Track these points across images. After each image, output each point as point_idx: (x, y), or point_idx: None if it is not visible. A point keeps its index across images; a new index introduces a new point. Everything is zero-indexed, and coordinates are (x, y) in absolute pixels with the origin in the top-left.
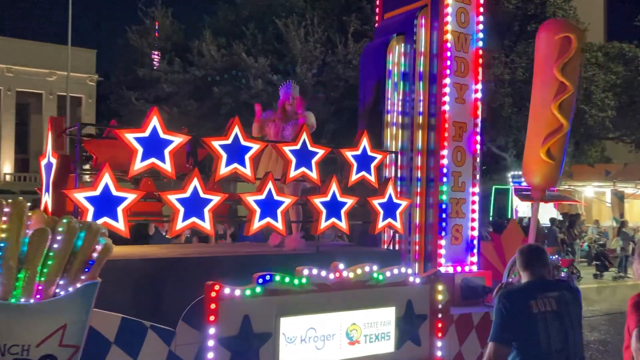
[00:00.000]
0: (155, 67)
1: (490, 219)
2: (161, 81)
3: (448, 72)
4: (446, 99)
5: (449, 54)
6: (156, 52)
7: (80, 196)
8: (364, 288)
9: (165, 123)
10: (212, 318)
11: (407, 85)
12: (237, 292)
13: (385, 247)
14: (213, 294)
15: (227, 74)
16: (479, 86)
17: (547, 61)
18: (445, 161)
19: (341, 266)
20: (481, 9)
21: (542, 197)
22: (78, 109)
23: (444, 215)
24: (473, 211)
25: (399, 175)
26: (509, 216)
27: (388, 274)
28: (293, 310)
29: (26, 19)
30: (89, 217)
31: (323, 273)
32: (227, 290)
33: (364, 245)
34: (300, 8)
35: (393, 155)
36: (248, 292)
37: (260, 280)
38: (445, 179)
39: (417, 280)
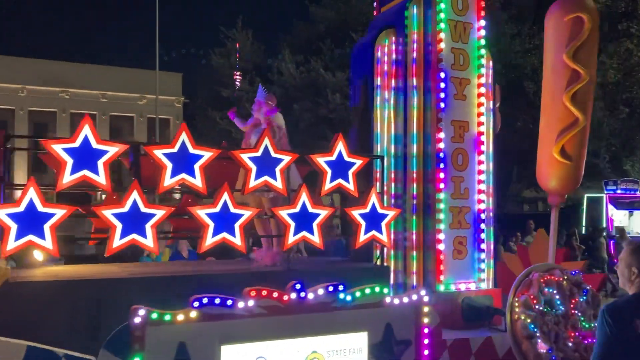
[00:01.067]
0: (237, 87)
1: (583, 229)
2: (243, 100)
3: (443, 65)
4: (441, 95)
5: (443, 45)
6: (238, 73)
7: (1, 213)
8: (328, 311)
9: None
10: (137, 346)
11: (399, 82)
12: (168, 317)
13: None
14: (137, 319)
15: (305, 90)
16: (484, 80)
17: (557, 46)
18: (441, 165)
19: (298, 286)
20: None
21: (561, 203)
22: (167, 130)
23: (442, 226)
24: (480, 221)
25: (389, 181)
26: (604, 226)
27: (358, 294)
28: (238, 337)
29: (117, 47)
30: (12, 236)
31: (275, 294)
32: (154, 315)
33: (357, 260)
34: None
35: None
36: (181, 317)
37: (196, 304)
38: (442, 185)
39: (397, 301)
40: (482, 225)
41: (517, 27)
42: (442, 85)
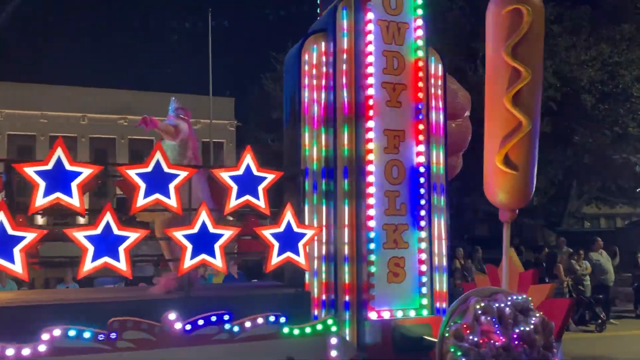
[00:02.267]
0: None
1: None
2: None
3: (372, 69)
4: (370, 102)
5: (372, 48)
6: None
7: None
8: (210, 343)
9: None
10: None
11: (329, 93)
12: (10, 352)
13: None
14: None
15: None
16: (422, 84)
17: (496, 43)
18: (372, 178)
19: (172, 316)
20: None
21: (513, 219)
22: (220, 153)
23: (373, 246)
24: (421, 240)
25: (318, 198)
26: None
27: (248, 324)
28: None
29: (172, 74)
30: None
31: (145, 325)
32: None
33: (295, 285)
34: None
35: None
36: (26, 352)
37: (46, 336)
38: (373, 201)
39: (297, 332)
40: (423, 245)
41: (572, 39)
42: (371, 91)
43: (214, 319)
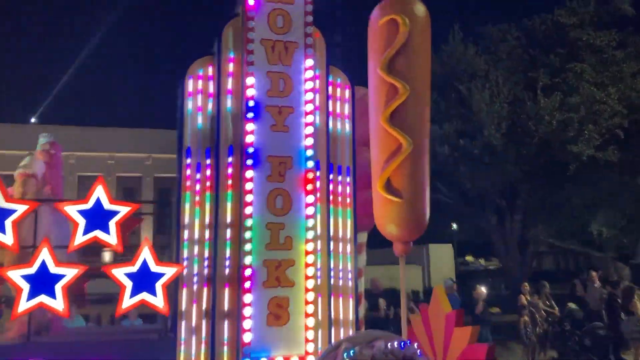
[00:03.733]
0: None
1: None
2: None
3: (253, 92)
4: (249, 127)
5: (251, 68)
6: None
7: None
8: None
9: None
10: None
11: (212, 119)
12: None
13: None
14: None
15: None
16: (309, 107)
17: (373, 58)
18: (249, 210)
19: None
20: (309, 8)
21: (408, 252)
22: None
23: (247, 285)
24: (308, 277)
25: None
26: None
27: None
28: None
29: None
30: None
31: None
32: None
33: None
34: (483, 71)
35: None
36: None
37: None
38: (251, 234)
39: None
40: (311, 283)
41: (637, 65)
42: (250, 115)
43: None
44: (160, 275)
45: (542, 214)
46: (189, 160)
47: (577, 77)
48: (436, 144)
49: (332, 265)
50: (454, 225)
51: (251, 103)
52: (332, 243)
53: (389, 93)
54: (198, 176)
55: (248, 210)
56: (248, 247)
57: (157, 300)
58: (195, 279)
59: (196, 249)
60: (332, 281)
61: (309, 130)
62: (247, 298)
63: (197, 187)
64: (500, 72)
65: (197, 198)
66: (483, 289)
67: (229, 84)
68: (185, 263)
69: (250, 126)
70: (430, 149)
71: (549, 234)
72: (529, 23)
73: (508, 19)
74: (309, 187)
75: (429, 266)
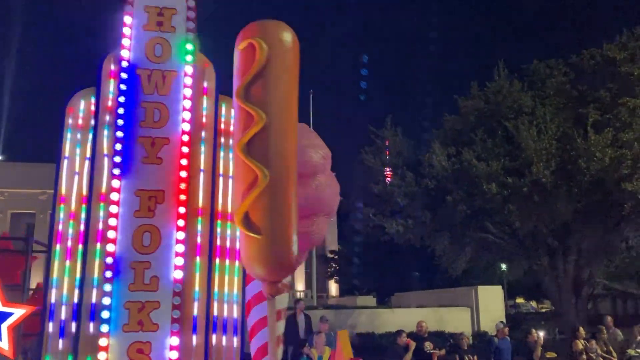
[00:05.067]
0: (388, 183)
1: None
2: (395, 195)
3: (122, 122)
4: (117, 159)
5: (123, 99)
6: (388, 169)
7: None
8: None
9: (402, 234)
10: None
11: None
12: None
13: None
14: None
15: (458, 181)
16: (185, 138)
17: (234, 85)
18: (111, 247)
19: None
20: (191, 36)
21: (278, 293)
22: None
23: (105, 328)
24: (175, 321)
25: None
26: None
27: None
28: None
29: None
30: None
31: None
32: None
33: None
34: (529, 107)
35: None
36: None
37: None
38: (110, 274)
39: None
40: (176, 327)
41: None
42: (119, 146)
43: None
44: (7, 315)
45: (597, 254)
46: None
47: (629, 113)
48: (483, 183)
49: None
50: (504, 267)
51: (119, 134)
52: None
53: (246, 121)
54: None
55: (110, 247)
56: (108, 287)
57: (2, 344)
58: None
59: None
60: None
61: (184, 162)
62: (103, 341)
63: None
64: (548, 109)
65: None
66: (540, 333)
67: (107, 117)
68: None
69: (117, 159)
70: (476, 187)
71: (605, 276)
72: (576, 59)
73: (555, 54)
74: (181, 222)
75: (478, 308)
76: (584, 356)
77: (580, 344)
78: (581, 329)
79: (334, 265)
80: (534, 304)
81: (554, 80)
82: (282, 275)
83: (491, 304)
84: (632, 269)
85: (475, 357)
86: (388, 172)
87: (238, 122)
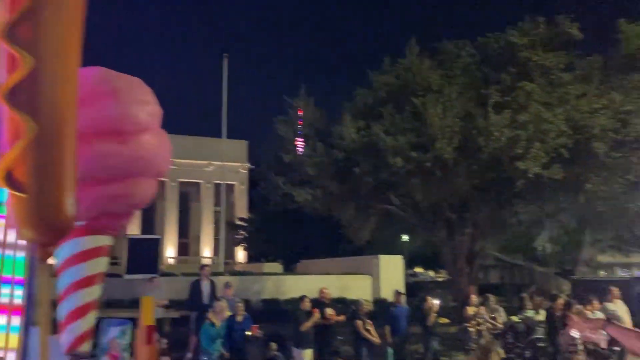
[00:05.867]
0: (299, 153)
1: None
2: (305, 165)
3: None
4: None
5: None
6: (300, 139)
7: None
8: None
9: (310, 203)
10: None
11: None
12: None
13: None
14: None
15: (366, 154)
16: None
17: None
18: None
19: None
20: None
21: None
22: (231, 195)
23: None
24: None
25: None
26: None
27: None
28: None
29: (184, 116)
30: None
31: None
32: None
33: None
34: (437, 85)
35: None
36: None
37: None
38: None
39: None
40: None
41: (583, 87)
42: None
43: None
44: None
45: (490, 228)
46: None
47: (526, 96)
48: (389, 156)
49: None
50: (405, 237)
51: None
52: None
53: (12, 65)
54: None
55: None
56: None
57: None
58: None
59: None
60: None
61: None
62: None
63: None
64: (454, 88)
65: None
66: (435, 301)
67: None
68: None
69: None
70: (383, 160)
71: (496, 248)
72: (483, 41)
73: (464, 35)
74: None
75: (379, 277)
76: (474, 321)
77: (470, 310)
78: (472, 296)
79: (242, 233)
80: (431, 273)
81: (462, 60)
82: (52, 237)
83: (392, 273)
84: (520, 242)
85: (371, 322)
86: (300, 142)
87: (1, 66)
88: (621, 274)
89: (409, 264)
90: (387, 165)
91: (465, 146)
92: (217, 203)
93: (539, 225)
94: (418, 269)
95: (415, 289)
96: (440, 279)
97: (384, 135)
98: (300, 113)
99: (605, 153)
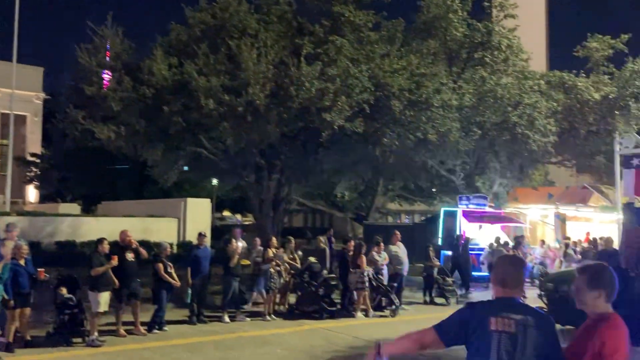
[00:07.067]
0: (104, 86)
1: (440, 241)
2: (109, 100)
3: None
4: None
5: None
6: (106, 71)
7: None
8: None
9: (113, 140)
10: None
11: None
12: None
13: None
14: None
15: (177, 93)
16: None
17: None
18: None
19: None
20: None
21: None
22: (22, 127)
23: None
24: None
25: None
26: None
27: None
28: None
29: None
30: None
31: None
32: None
33: None
34: (254, 30)
35: None
36: None
37: None
38: None
39: None
40: None
41: (387, 47)
42: None
43: None
44: None
45: (296, 175)
46: None
47: (337, 51)
48: (201, 97)
49: None
50: (215, 181)
51: None
52: None
53: None
54: None
55: None
56: None
57: None
58: None
59: None
60: None
61: None
62: None
63: None
64: (270, 34)
65: None
66: (240, 244)
67: None
68: None
69: None
70: (195, 101)
71: (301, 194)
72: None
73: None
74: None
75: (186, 219)
76: (274, 262)
77: (271, 252)
78: (274, 239)
79: (34, 170)
80: (239, 216)
81: (279, 8)
82: None
83: (199, 216)
84: (322, 189)
85: (172, 265)
86: (105, 75)
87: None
88: (406, 220)
89: (218, 207)
90: (199, 107)
91: (277, 94)
92: (4, 136)
93: (339, 174)
94: (226, 213)
95: (222, 232)
96: (247, 223)
97: (197, 75)
98: (107, 43)
99: (400, 111)
